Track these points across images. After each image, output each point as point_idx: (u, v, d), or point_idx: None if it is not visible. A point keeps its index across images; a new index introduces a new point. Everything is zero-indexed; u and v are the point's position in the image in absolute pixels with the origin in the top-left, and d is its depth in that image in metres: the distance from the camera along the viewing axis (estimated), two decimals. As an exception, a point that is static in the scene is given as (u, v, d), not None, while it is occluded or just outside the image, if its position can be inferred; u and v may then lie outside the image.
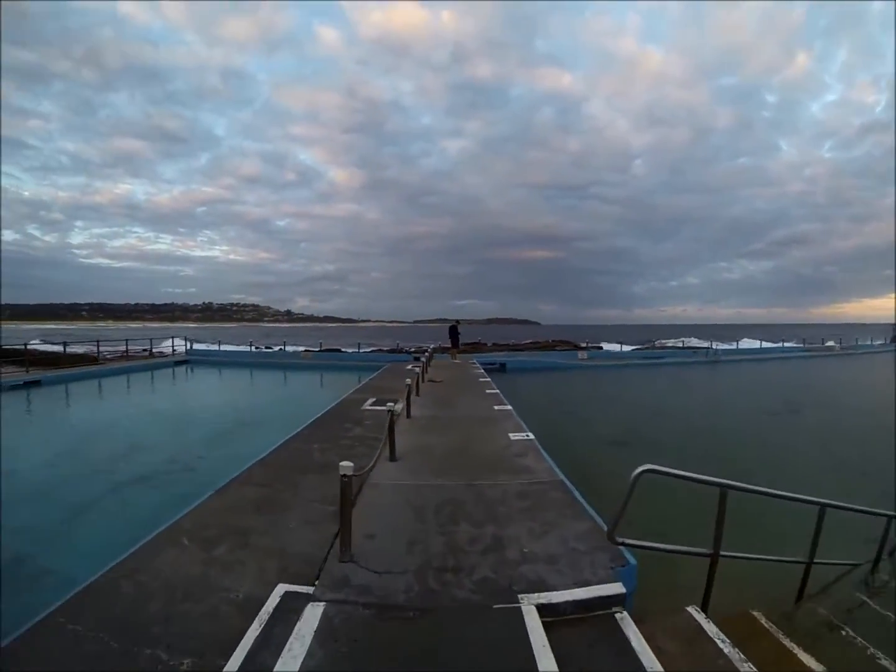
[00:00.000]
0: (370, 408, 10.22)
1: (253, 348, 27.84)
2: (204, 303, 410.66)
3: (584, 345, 31.31)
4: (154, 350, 29.15)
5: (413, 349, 27.63)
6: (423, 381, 12.80)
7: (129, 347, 28.16)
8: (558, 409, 14.19)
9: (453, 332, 19.96)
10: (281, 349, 27.82)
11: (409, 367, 18.38)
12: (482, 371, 15.83)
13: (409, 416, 8.79)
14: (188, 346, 28.81)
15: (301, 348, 28.00)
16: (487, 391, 12.08)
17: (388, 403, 6.25)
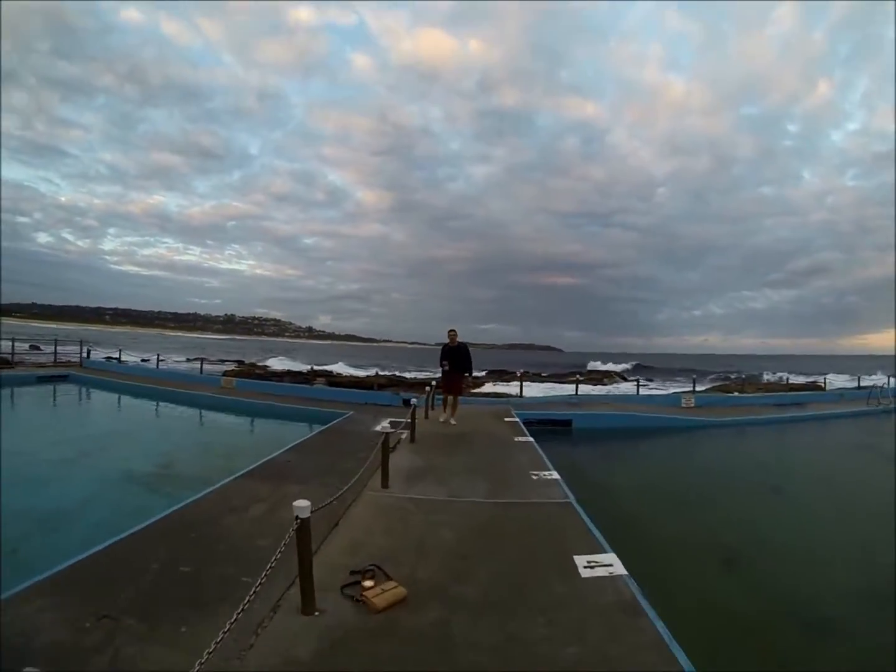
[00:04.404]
0: None
1: (158, 365, 18.36)
2: (226, 314, 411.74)
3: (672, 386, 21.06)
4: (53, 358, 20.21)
5: (406, 381, 17.84)
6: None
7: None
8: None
9: (454, 354, 8.71)
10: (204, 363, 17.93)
11: (385, 425, 8.64)
12: (562, 492, 4.90)
13: None
14: (84, 355, 19.72)
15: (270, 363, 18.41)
16: None
17: None
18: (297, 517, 2.43)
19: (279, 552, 2.39)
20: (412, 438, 6.84)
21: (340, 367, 34.00)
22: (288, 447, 7.60)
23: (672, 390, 26.37)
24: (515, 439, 7.34)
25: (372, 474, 5.09)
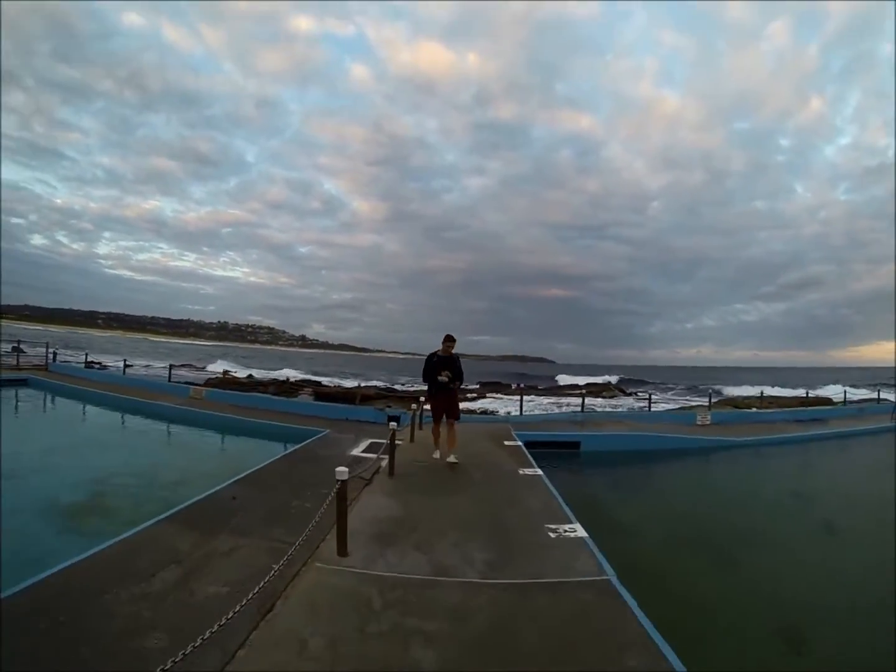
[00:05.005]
0: None
1: (124, 371, 16.80)
2: (219, 321, 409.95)
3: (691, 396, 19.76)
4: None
5: (397, 393, 16.46)
6: None
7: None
8: None
9: (448, 367, 6.39)
10: (183, 368, 16.16)
11: (358, 451, 7.29)
12: (595, 561, 3.37)
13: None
14: (51, 357, 18.24)
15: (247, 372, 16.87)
16: None
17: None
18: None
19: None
20: (391, 471, 5.41)
21: (289, 372, 32.78)
22: (241, 475, 6.21)
23: (672, 406, 25.13)
24: (520, 472, 5.91)
25: (329, 529, 3.69)
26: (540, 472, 5.92)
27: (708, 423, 14.21)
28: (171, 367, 15.34)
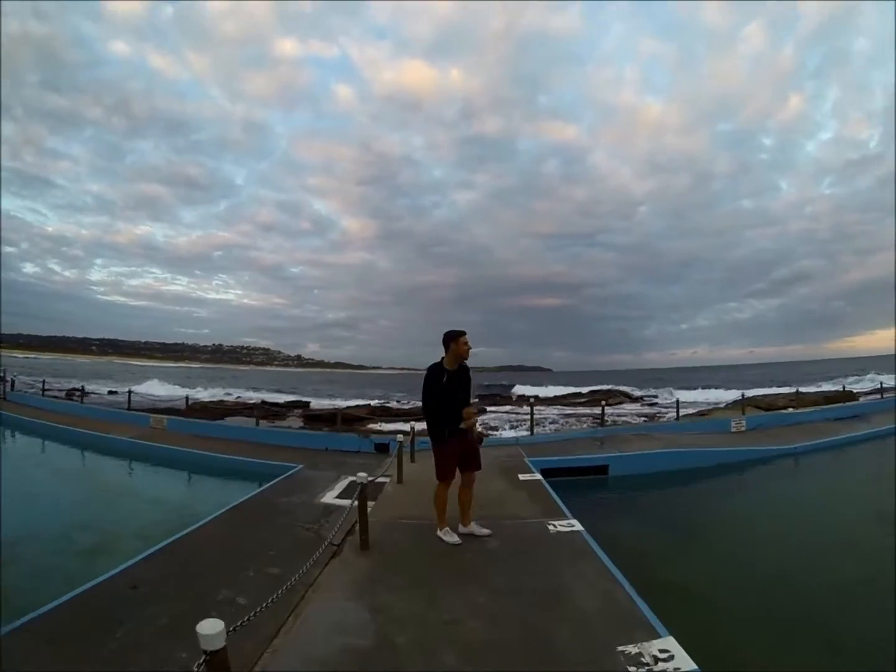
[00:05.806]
0: None
1: (80, 399, 15.10)
2: (214, 344, 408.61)
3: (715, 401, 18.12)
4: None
5: (391, 412, 14.81)
6: None
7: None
8: None
9: (460, 382, 3.92)
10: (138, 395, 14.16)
11: (333, 495, 5.61)
12: None
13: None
14: (8, 385, 16.51)
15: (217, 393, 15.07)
16: None
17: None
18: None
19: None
20: (362, 542, 3.67)
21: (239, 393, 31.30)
22: (165, 542, 4.52)
23: (689, 410, 23.51)
24: (551, 528, 4.18)
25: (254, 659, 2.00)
26: (577, 525, 4.19)
27: (743, 428, 12.68)
28: (130, 392, 13.56)
